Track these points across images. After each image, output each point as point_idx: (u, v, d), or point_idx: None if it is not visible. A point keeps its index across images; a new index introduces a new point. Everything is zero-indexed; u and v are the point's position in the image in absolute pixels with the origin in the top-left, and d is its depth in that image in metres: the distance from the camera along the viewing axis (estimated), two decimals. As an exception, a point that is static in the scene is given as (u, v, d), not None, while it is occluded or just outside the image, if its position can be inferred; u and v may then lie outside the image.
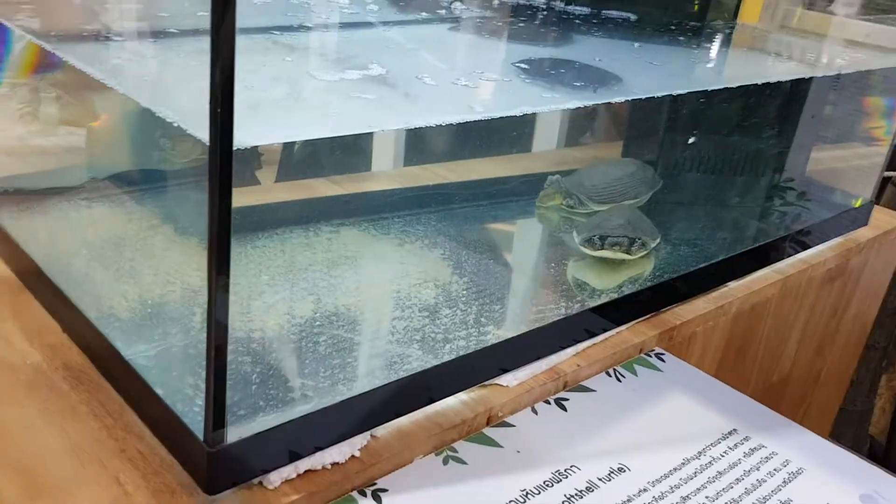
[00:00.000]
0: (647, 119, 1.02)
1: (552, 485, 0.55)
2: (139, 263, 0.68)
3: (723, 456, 0.60)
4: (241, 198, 0.41)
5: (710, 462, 0.59)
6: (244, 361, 0.56)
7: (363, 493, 0.51)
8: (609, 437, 0.61)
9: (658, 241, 0.80)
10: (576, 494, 0.54)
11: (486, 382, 0.61)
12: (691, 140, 0.97)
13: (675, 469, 0.58)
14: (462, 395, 0.60)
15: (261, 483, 0.49)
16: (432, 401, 0.58)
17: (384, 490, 0.52)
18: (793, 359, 0.97)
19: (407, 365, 0.59)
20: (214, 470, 0.46)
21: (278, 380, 0.54)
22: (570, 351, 0.67)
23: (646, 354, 0.72)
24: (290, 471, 0.49)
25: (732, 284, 0.81)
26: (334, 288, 0.68)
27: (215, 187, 0.40)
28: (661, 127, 0.98)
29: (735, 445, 0.62)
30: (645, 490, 0.56)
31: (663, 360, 0.71)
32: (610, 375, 0.68)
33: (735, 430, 0.64)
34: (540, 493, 0.54)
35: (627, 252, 0.77)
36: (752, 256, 0.84)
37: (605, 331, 0.70)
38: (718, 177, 0.98)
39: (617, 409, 0.64)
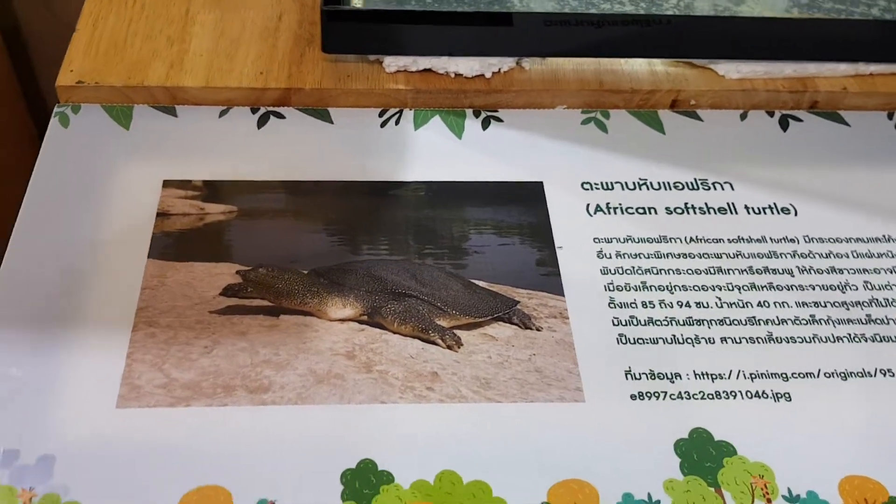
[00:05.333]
0: None
1: (682, 188, 0.46)
2: None
3: (948, 256, 0.43)
4: None
5: (920, 254, 0.44)
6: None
7: (477, 114, 0.50)
8: (806, 173, 0.47)
9: None
10: (702, 208, 0.45)
11: (696, 61, 0.51)
12: None
13: (853, 239, 0.44)
14: (658, 64, 0.51)
15: (380, 63, 0.50)
16: (606, 54, 0.50)
17: (499, 120, 0.49)
18: None
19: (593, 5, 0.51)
20: (330, 30, 0.48)
21: None
22: (845, 67, 0.51)
23: (976, 114, 0.51)
24: (408, 62, 0.49)
25: None
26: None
27: None
28: None
29: (982, 254, 0.44)
30: (791, 240, 0.44)
31: None
32: (890, 118, 0.51)
33: None
34: (660, 188, 0.46)
35: None
36: None
37: (926, 62, 0.51)
38: None
39: (857, 151, 0.48)
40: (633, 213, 0.45)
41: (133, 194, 0.44)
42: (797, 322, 0.40)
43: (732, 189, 0.46)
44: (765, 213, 0.45)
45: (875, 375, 0.38)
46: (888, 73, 0.51)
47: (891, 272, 0.43)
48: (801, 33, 0.51)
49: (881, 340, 0.40)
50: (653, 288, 0.42)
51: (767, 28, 0.51)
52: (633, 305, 0.41)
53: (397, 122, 0.49)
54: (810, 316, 0.41)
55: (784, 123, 0.50)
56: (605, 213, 0.45)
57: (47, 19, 0.83)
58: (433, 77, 0.50)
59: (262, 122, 0.48)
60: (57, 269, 0.41)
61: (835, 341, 0.40)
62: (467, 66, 0.50)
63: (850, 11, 0.53)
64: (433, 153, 0.48)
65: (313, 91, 0.49)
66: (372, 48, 0.49)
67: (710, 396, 0.38)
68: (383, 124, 0.49)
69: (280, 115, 0.49)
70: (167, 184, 0.45)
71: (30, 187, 0.44)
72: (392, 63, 0.50)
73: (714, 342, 0.40)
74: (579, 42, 0.51)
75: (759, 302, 0.41)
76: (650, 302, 0.41)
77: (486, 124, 0.49)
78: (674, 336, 0.40)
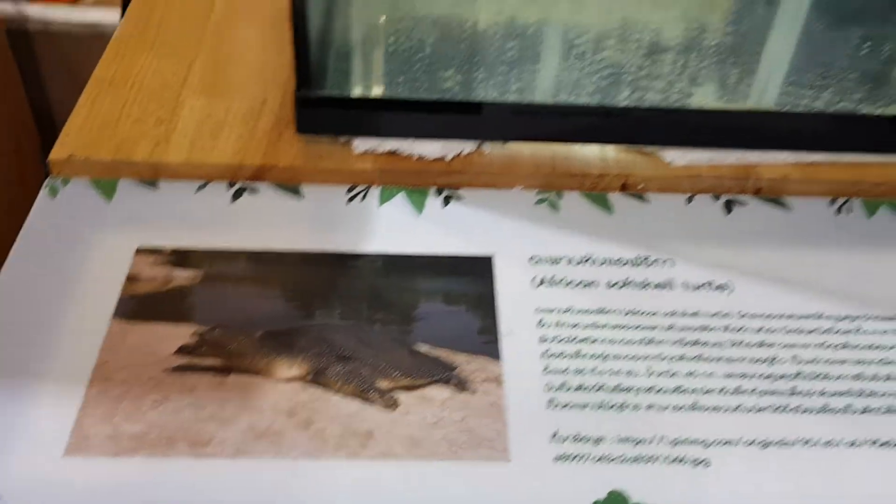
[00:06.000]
0: None
1: (625, 264, 0.49)
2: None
3: (878, 333, 0.45)
4: None
5: (851, 330, 0.45)
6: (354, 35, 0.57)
7: (439, 192, 0.53)
8: (746, 253, 0.49)
9: None
10: (641, 283, 0.47)
11: (645, 148, 0.54)
12: None
13: (785, 315, 0.46)
14: (610, 150, 0.54)
15: (348, 144, 0.54)
16: (563, 140, 0.54)
17: (459, 198, 0.53)
18: None
19: (542, 91, 0.55)
20: (302, 114, 0.52)
21: (388, 63, 0.55)
22: (787, 156, 0.54)
23: (916, 202, 0.53)
24: (374, 144, 0.53)
25: None
26: None
27: None
28: None
29: (911, 332, 0.45)
30: (725, 315, 0.46)
31: (933, 216, 0.52)
32: (832, 204, 0.53)
33: (937, 319, 0.46)
34: (604, 264, 0.49)
35: None
36: None
37: (870, 150, 0.54)
38: None
39: (797, 234, 0.51)
40: (575, 287, 0.47)
41: (107, 260, 0.48)
42: (723, 392, 0.42)
43: (673, 266, 0.49)
44: (702, 289, 0.47)
45: (794, 445, 0.40)
46: (829, 162, 0.54)
47: (819, 347, 0.44)
48: (745, 124, 0.54)
49: (804, 412, 0.41)
50: (587, 356, 0.44)
51: (712, 119, 0.54)
52: (567, 372, 0.43)
53: (363, 199, 0.52)
54: (736, 387, 0.42)
55: (728, 207, 0.53)
56: (548, 286, 0.47)
57: (76, 95, 0.89)
58: (398, 158, 0.53)
59: (236, 196, 0.52)
60: (27, 325, 0.44)
61: (758, 411, 0.41)
62: (431, 148, 0.53)
63: (795, 103, 0.56)
64: (393, 228, 0.51)
65: (286, 168, 0.53)
66: (342, 131, 0.54)
67: (631, 460, 0.39)
68: (350, 200, 0.52)
69: (254, 190, 0.52)
70: (140, 251, 0.48)
71: (12, 251, 0.48)
72: (360, 144, 0.53)
73: (640, 409, 0.41)
74: (540, 129, 0.55)
75: (688, 372, 0.43)
76: (583, 369, 0.43)
77: (446, 202, 0.53)
78: (602, 402, 0.41)
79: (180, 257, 0.48)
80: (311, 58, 0.51)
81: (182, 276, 0.47)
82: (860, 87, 0.57)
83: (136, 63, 0.60)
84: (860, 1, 0.68)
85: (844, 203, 0.53)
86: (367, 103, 0.53)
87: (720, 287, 0.48)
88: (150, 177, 0.53)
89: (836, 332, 0.45)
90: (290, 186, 0.53)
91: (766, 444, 0.40)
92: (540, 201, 0.53)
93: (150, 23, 0.64)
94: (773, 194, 0.53)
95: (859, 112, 0.55)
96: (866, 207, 0.53)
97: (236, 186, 0.53)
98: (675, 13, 0.64)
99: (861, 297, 0.47)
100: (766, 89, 0.58)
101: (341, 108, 0.53)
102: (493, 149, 0.54)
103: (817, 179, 0.53)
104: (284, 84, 0.59)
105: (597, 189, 0.54)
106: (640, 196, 0.53)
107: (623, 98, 0.56)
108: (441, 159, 0.53)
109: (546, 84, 0.57)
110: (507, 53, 0.59)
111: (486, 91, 0.56)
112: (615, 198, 0.53)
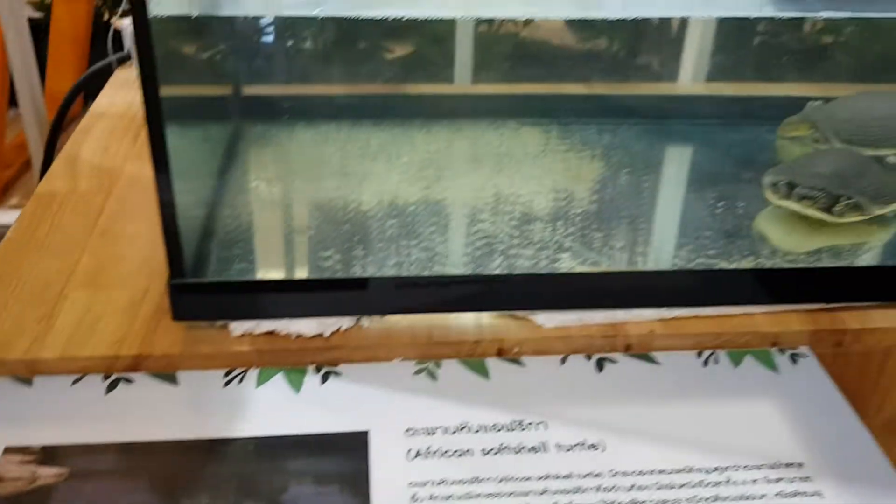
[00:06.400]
0: None
1: (500, 430, 0.49)
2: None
3: (747, 483, 0.46)
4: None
5: (721, 482, 0.46)
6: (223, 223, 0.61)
7: (318, 369, 0.54)
8: (617, 411, 0.50)
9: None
10: (516, 447, 0.48)
11: (517, 313, 0.56)
12: None
13: (656, 471, 0.46)
14: (484, 317, 0.56)
15: (226, 327, 0.54)
16: (440, 310, 0.56)
17: (338, 374, 0.53)
18: None
19: (420, 264, 0.57)
20: (178, 301, 0.53)
21: (261, 245, 0.58)
22: (650, 313, 0.56)
23: (779, 350, 0.56)
24: (252, 326, 0.54)
25: None
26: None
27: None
28: None
29: (778, 479, 0.46)
30: (597, 475, 0.46)
31: (795, 363, 0.55)
32: (699, 356, 0.55)
33: (801, 464, 0.47)
34: (479, 431, 0.49)
35: (826, 211, 0.59)
36: None
37: (728, 303, 0.57)
38: None
39: (666, 388, 0.52)
40: (450, 457, 0.47)
41: (-29, 462, 0.46)
42: (595, 556, 0.42)
43: (547, 429, 0.49)
44: (574, 449, 0.48)
45: None
46: (692, 315, 0.57)
47: (690, 502, 0.45)
48: (611, 284, 0.57)
49: (674, 570, 0.41)
50: (460, 529, 0.43)
51: (579, 281, 0.57)
52: (439, 548, 0.42)
53: (241, 382, 0.53)
54: (608, 549, 0.42)
55: (600, 365, 0.54)
56: (423, 458, 0.47)
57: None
58: (276, 338, 0.54)
59: (110, 388, 0.52)
60: None
61: (630, 574, 0.41)
62: (308, 326, 0.54)
63: (656, 262, 0.60)
64: (269, 409, 0.51)
65: (162, 357, 0.53)
66: (219, 315, 0.55)
67: None
68: (227, 384, 0.52)
69: (129, 381, 0.52)
70: (8, 450, 0.47)
71: None
72: (238, 327, 0.54)
73: (512, 581, 0.40)
74: (418, 300, 0.56)
75: (560, 538, 0.43)
76: (455, 544, 0.42)
77: (324, 379, 0.53)
78: (474, 577, 0.41)
79: (49, 454, 0.47)
80: (186, 247, 0.53)
81: (48, 473, 0.46)
82: (716, 244, 0.61)
83: (23, 263, 0.61)
84: (712, 165, 0.74)
85: (710, 355, 0.55)
86: (243, 286, 0.55)
87: (592, 446, 0.48)
88: (26, 374, 0.52)
89: (707, 484, 0.46)
90: (166, 374, 0.53)
91: None
92: (418, 371, 0.54)
93: (41, 224, 0.65)
94: (641, 350, 0.55)
95: (717, 266, 0.59)
96: (732, 358, 0.55)
97: (112, 378, 0.52)
98: (544, 185, 0.69)
99: (729, 447, 0.48)
100: (629, 250, 0.62)
101: (217, 294, 0.54)
102: (371, 323, 0.56)
103: (682, 333, 0.56)
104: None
105: (474, 355, 0.55)
106: (515, 360, 0.55)
107: (496, 266, 0.58)
108: (320, 336, 0.54)
109: (423, 257, 0.60)
110: (387, 231, 0.62)
111: (366, 268, 0.58)
112: (492, 363, 0.54)
